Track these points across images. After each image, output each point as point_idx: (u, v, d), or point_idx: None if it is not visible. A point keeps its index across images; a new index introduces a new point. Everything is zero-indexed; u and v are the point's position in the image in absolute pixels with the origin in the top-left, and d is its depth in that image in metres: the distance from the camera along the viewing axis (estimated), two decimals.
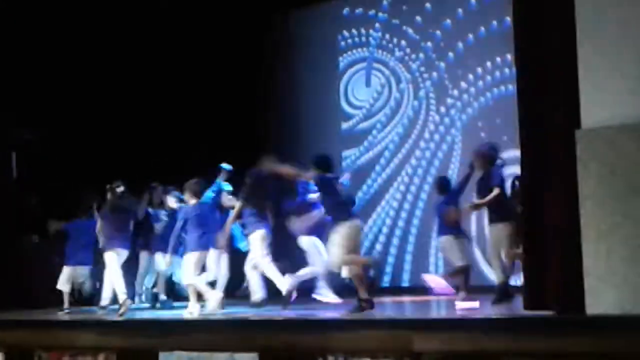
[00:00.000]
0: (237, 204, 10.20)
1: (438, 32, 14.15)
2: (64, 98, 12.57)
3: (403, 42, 14.61)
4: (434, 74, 14.23)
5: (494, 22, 13.39)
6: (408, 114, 14.51)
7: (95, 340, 8.27)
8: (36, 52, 12.20)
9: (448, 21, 14.03)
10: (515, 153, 7.87)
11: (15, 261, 10.55)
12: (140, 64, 13.37)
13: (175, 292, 11.71)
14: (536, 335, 6.27)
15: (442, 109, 14.10)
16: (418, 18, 14.40)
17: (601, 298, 6.26)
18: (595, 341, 6.00)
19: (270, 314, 9.14)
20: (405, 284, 13.68)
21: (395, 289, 11.32)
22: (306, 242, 10.46)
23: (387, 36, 14.81)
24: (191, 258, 9.63)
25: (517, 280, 9.34)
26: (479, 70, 13.69)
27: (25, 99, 11.37)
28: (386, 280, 13.82)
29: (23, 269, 10.11)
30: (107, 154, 12.43)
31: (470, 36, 13.78)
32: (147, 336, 8.11)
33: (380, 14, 14.86)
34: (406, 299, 10.95)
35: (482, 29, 13.63)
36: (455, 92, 13.95)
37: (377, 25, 14.91)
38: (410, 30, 14.51)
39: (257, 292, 10.14)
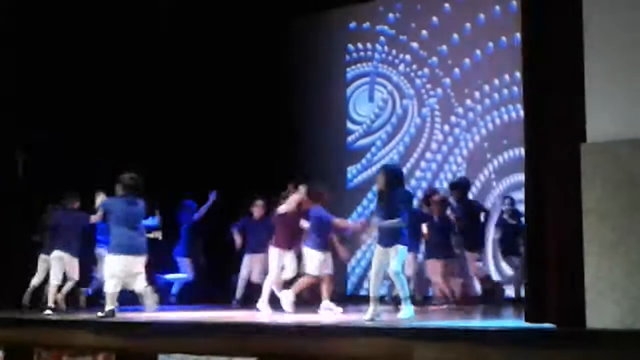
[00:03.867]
0: None
1: (444, 47, 13.96)
2: (75, 98, 12.61)
3: (408, 57, 14.42)
4: (439, 90, 14.03)
5: (503, 38, 13.21)
6: (410, 131, 14.33)
7: (95, 340, 8.30)
8: (48, 52, 12.23)
9: (455, 36, 13.86)
10: (520, 177, 7.91)
11: (20, 260, 10.57)
12: (146, 65, 13.40)
13: None
14: (536, 347, 6.28)
15: (446, 128, 13.91)
16: (424, 32, 14.23)
17: (602, 313, 6.27)
18: (594, 355, 6.02)
19: (270, 319, 9.16)
20: None
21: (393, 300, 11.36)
22: None
23: (393, 51, 14.63)
24: None
25: None
26: (486, 87, 13.48)
27: (32, 99, 11.40)
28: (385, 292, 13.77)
29: (28, 268, 10.13)
30: (116, 154, 12.48)
31: (478, 52, 13.60)
32: (146, 337, 8.13)
33: (386, 28, 14.68)
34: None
35: (491, 45, 13.44)
36: (461, 110, 13.75)
37: (382, 39, 14.75)
38: (415, 45, 14.33)
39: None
